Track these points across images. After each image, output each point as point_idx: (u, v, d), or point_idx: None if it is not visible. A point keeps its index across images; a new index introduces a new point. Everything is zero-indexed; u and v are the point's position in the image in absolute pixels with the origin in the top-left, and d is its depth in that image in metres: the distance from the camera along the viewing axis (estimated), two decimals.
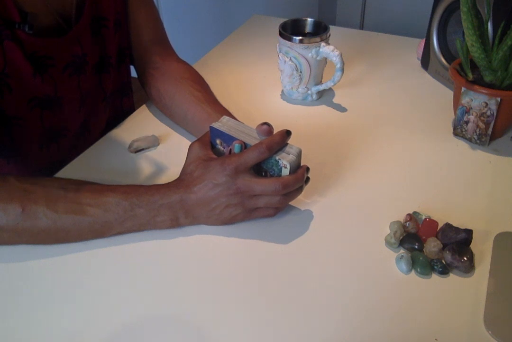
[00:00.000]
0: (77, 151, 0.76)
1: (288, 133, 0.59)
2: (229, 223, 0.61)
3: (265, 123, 0.60)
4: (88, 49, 0.74)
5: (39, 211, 0.56)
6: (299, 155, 0.60)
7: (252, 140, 0.60)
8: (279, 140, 0.58)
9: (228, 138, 0.61)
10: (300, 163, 0.61)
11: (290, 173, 0.59)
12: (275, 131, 0.60)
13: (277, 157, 0.58)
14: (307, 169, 0.61)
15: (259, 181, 0.58)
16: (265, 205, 0.60)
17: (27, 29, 0.63)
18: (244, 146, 0.60)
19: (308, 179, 0.62)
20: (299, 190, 0.61)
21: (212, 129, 0.62)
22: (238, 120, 0.64)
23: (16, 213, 0.55)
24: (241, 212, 0.60)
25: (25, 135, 0.71)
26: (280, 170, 0.59)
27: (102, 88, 0.81)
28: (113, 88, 0.84)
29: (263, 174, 0.61)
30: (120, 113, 0.88)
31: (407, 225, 0.60)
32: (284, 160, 0.58)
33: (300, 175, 0.59)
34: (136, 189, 0.59)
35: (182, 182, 0.60)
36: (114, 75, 0.82)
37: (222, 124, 0.62)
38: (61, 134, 0.76)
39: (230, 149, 0.61)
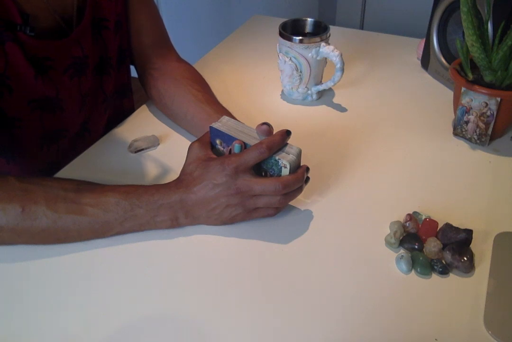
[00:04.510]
0: (77, 152, 0.76)
1: (288, 133, 0.59)
2: (229, 223, 0.61)
3: (265, 123, 0.60)
4: (88, 50, 0.74)
5: (39, 211, 0.56)
6: (299, 155, 0.60)
7: (252, 140, 0.60)
8: (279, 140, 0.58)
9: (228, 139, 0.61)
10: (300, 163, 0.61)
11: (290, 172, 0.59)
12: (275, 131, 0.60)
13: (277, 157, 0.58)
14: (307, 169, 0.61)
15: (259, 181, 0.58)
16: (265, 205, 0.60)
17: (28, 31, 0.63)
18: (244, 146, 0.60)
19: (308, 178, 0.62)
20: (299, 189, 0.61)
21: (212, 129, 0.62)
22: (238, 120, 0.64)
23: (16, 213, 0.55)
24: (241, 212, 0.60)
25: (25, 136, 0.71)
26: (280, 170, 0.59)
27: (103, 90, 0.81)
28: (113, 89, 0.84)
29: (263, 173, 0.61)
30: (120, 114, 0.88)
31: (407, 225, 0.60)
32: (284, 160, 0.58)
33: (300, 175, 0.59)
34: (136, 188, 0.59)
35: (182, 182, 0.60)
36: (114, 76, 0.82)
37: (222, 124, 0.62)
38: (61, 135, 0.76)
39: (230, 149, 0.61)
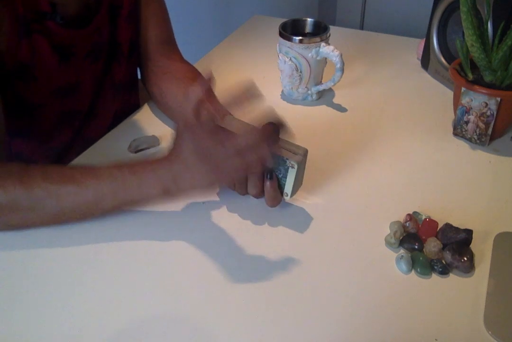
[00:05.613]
0: (85, 139, 0.79)
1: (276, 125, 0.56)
2: (219, 182, 0.62)
3: (270, 123, 0.59)
4: (105, 37, 0.76)
5: (34, 182, 0.57)
6: (305, 155, 0.60)
7: None
8: (270, 128, 0.56)
9: None
10: (305, 163, 0.61)
11: (297, 172, 0.59)
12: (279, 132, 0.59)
13: (284, 157, 0.58)
14: (274, 126, 0.57)
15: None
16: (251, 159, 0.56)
17: (58, 20, 0.65)
18: None
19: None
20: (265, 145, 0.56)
21: None
22: (240, 120, 0.64)
23: (14, 187, 0.56)
24: (235, 159, 0.56)
25: (43, 118, 0.74)
26: (287, 170, 0.59)
27: (113, 77, 0.82)
28: (123, 78, 0.85)
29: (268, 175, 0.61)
30: (127, 108, 0.89)
31: (407, 225, 0.60)
32: (292, 160, 0.58)
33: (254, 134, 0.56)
34: (127, 162, 0.60)
35: (171, 153, 0.59)
36: (125, 65, 0.83)
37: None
38: (74, 118, 0.79)
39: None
